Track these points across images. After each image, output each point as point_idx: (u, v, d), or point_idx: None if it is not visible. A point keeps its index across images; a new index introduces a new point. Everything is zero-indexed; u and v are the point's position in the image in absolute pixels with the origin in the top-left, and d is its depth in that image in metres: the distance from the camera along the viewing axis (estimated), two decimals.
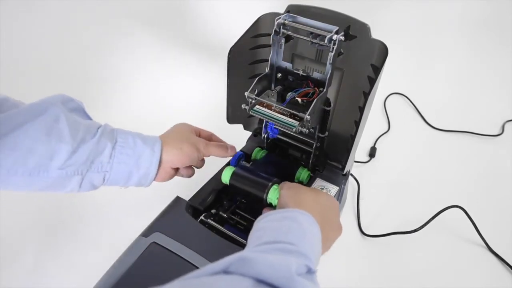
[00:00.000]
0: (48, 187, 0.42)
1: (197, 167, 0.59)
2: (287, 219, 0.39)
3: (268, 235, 0.37)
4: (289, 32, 0.51)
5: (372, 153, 0.93)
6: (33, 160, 0.39)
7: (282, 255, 0.34)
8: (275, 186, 0.53)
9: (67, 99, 0.45)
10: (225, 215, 0.59)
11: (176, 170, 0.54)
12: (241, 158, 0.65)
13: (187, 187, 0.62)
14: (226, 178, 0.56)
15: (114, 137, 0.44)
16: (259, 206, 0.54)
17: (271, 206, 0.53)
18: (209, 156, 0.57)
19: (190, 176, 0.58)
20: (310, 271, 0.35)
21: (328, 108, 0.56)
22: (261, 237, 0.37)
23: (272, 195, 0.52)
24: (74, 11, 1.07)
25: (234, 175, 0.56)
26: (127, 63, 1.11)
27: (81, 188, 0.43)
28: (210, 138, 0.60)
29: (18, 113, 0.39)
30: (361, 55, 0.53)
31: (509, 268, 0.69)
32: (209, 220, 0.56)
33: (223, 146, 0.58)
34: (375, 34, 0.51)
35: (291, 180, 0.63)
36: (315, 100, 0.49)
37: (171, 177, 0.54)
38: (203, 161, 0.59)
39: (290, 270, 0.30)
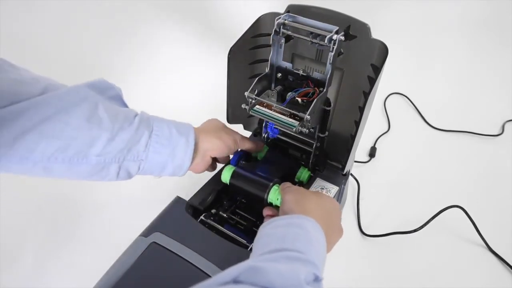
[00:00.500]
0: (87, 175, 0.42)
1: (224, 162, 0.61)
2: (294, 226, 0.39)
3: (275, 242, 0.37)
4: (289, 32, 0.51)
5: (372, 153, 0.93)
6: (74, 148, 0.39)
7: (290, 263, 0.34)
8: (275, 187, 0.53)
9: (107, 86, 0.44)
10: (225, 215, 0.59)
11: (214, 159, 0.55)
12: (241, 158, 0.65)
13: (187, 187, 0.62)
14: (226, 177, 0.56)
15: (150, 125, 0.44)
16: (259, 206, 0.54)
17: (272, 206, 0.53)
18: (242, 149, 0.60)
19: (224, 162, 0.60)
20: (317, 279, 0.35)
21: (328, 108, 0.56)
22: (268, 244, 0.37)
23: (273, 196, 0.52)
24: (74, 10, 1.07)
25: (234, 174, 0.56)
26: (127, 63, 1.11)
27: (119, 177, 0.44)
28: None
29: (59, 97, 0.38)
30: (361, 55, 0.53)
31: (509, 268, 0.69)
32: (209, 220, 0.56)
33: (256, 141, 0.61)
34: (375, 34, 0.51)
35: (292, 179, 0.62)
36: (315, 100, 0.49)
37: (209, 166, 0.55)
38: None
39: (299, 279, 0.31)
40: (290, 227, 0.39)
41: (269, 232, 0.39)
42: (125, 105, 0.47)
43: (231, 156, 0.63)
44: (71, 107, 0.38)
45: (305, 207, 0.44)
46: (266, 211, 0.52)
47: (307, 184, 0.63)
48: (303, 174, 0.63)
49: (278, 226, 0.39)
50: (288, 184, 0.52)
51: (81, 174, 0.41)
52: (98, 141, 0.39)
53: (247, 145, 0.58)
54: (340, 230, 0.48)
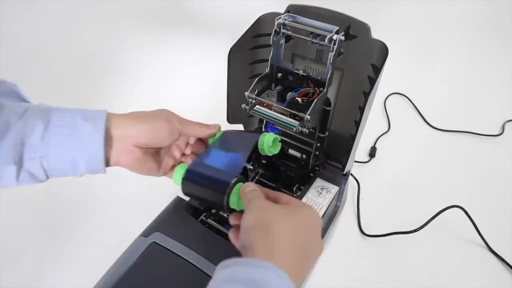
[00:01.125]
0: None
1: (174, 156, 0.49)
2: (255, 285, 0.28)
3: None
4: (289, 32, 0.51)
5: (372, 153, 0.93)
6: None
7: None
8: (237, 186, 0.40)
9: None
10: (225, 215, 0.59)
11: (146, 152, 0.44)
12: None
13: None
14: (177, 179, 0.43)
15: (47, 116, 0.37)
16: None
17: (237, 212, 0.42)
18: (187, 135, 0.47)
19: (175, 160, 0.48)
20: None
21: (328, 108, 0.56)
22: None
23: (234, 199, 0.39)
24: (74, 11, 1.07)
25: (187, 175, 0.42)
26: (127, 63, 1.11)
27: (20, 180, 0.37)
28: None
29: None
30: (361, 55, 0.53)
31: (509, 268, 0.69)
32: (209, 220, 0.56)
33: (203, 124, 0.48)
34: (375, 34, 0.51)
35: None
36: (315, 100, 0.49)
37: (143, 162, 0.44)
38: (181, 146, 0.48)
39: None
40: (251, 285, 0.28)
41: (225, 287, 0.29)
42: (25, 101, 0.41)
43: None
44: None
45: (272, 245, 0.32)
46: (232, 220, 0.41)
47: (302, 181, 0.63)
48: (266, 139, 0.45)
49: (237, 281, 0.29)
50: (249, 186, 0.39)
51: None
52: None
53: (190, 128, 0.45)
54: (319, 249, 0.37)
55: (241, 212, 0.38)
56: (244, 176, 0.65)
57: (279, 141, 0.44)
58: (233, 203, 0.39)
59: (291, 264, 0.32)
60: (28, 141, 0.36)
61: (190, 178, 0.41)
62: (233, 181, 0.39)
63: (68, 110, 0.38)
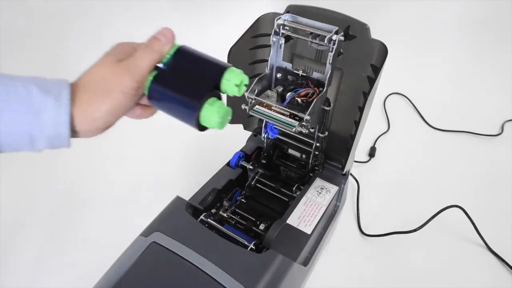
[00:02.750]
0: None
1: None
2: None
3: None
4: (289, 32, 0.51)
5: (371, 153, 0.93)
6: None
7: None
8: (212, 101, 0.35)
9: None
10: (225, 215, 0.59)
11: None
12: (241, 158, 0.65)
13: (187, 187, 0.62)
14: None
15: None
16: (259, 206, 0.53)
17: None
18: (142, 77, 0.36)
19: (148, 117, 0.41)
20: None
21: (328, 108, 0.56)
22: None
23: (207, 114, 0.34)
24: (75, 10, 1.07)
25: (155, 83, 0.36)
26: None
27: None
28: None
29: None
30: (361, 55, 0.53)
31: (509, 268, 0.69)
32: (209, 220, 0.56)
33: (151, 40, 0.38)
34: (375, 34, 0.52)
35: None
36: (315, 100, 0.50)
37: (104, 132, 0.38)
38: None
39: None
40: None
41: None
42: None
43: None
44: None
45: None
46: None
47: (306, 183, 0.63)
48: (234, 77, 0.36)
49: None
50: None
51: None
52: None
53: (140, 62, 0.36)
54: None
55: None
56: (244, 176, 0.65)
57: (245, 85, 0.37)
58: (204, 119, 0.34)
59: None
60: None
61: (157, 88, 0.36)
62: (206, 96, 0.34)
63: (18, 79, 0.33)
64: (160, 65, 0.37)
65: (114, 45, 0.38)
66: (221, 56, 0.44)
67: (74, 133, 0.35)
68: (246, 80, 0.37)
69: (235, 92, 0.36)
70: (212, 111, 0.34)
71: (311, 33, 0.49)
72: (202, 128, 0.35)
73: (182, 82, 0.35)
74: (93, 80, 0.35)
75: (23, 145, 0.34)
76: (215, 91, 0.35)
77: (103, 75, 0.35)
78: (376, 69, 0.52)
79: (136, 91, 0.35)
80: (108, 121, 0.35)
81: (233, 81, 0.35)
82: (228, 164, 0.65)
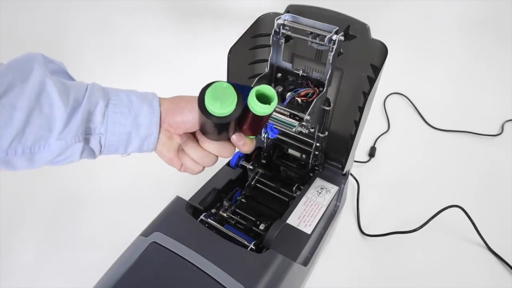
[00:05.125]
0: (50, 161, 0.37)
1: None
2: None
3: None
4: (289, 32, 0.51)
5: (371, 153, 0.93)
6: (31, 134, 0.33)
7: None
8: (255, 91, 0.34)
9: (47, 59, 0.38)
10: (225, 215, 0.59)
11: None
12: (241, 158, 0.65)
13: (187, 187, 0.62)
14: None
15: (106, 94, 0.38)
16: (259, 206, 0.53)
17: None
18: None
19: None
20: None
21: (328, 108, 0.56)
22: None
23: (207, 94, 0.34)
24: (74, 10, 1.07)
25: None
26: (127, 63, 1.11)
27: (82, 156, 0.39)
28: None
29: None
30: (361, 55, 0.53)
31: (509, 268, 0.69)
32: (209, 220, 0.56)
33: None
34: (375, 34, 0.52)
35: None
36: (315, 100, 0.50)
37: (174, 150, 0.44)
38: None
39: None
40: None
41: None
42: (72, 79, 0.41)
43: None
44: (16, 87, 0.33)
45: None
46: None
47: (306, 182, 0.63)
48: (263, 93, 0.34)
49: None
50: None
51: (44, 161, 0.36)
52: (55, 122, 0.34)
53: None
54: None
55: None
56: (244, 176, 0.65)
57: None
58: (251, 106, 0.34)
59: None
60: (92, 119, 0.37)
61: None
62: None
63: (121, 90, 0.40)
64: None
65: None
66: (221, 55, 0.44)
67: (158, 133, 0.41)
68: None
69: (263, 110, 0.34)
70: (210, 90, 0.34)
71: (311, 33, 0.49)
72: (208, 115, 0.35)
73: None
74: (179, 98, 0.42)
75: (120, 145, 0.40)
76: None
77: (183, 100, 0.42)
78: (376, 69, 0.52)
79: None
80: (185, 126, 0.41)
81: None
82: (228, 164, 0.65)
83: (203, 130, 0.41)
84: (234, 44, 0.55)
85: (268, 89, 0.34)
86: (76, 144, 0.36)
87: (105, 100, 0.38)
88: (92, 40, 1.09)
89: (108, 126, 0.38)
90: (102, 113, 0.38)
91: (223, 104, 0.34)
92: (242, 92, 0.35)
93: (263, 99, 0.34)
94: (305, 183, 0.63)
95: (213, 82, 0.34)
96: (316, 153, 0.63)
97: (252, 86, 0.38)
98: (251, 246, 0.51)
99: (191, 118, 0.41)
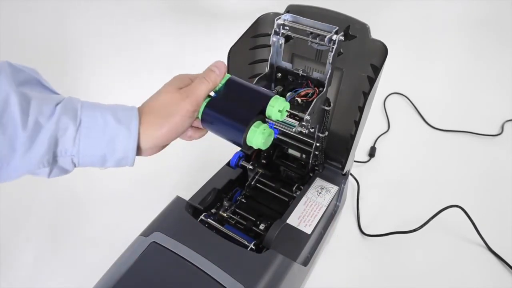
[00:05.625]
0: (16, 178, 0.36)
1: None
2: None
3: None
4: (289, 32, 0.51)
5: (371, 153, 0.93)
6: None
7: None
8: (257, 124, 0.40)
9: (16, 69, 0.36)
10: (225, 215, 0.59)
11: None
12: (241, 158, 0.65)
13: (187, 187, 0.62)
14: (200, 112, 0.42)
15: (77, 116, 0.36)
16: (259, 206, 0.53)
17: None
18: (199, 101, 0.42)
19: (198, 138, 0.47)
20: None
21: (328, 108, 0.56)
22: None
23: (252, 136, 0.40)
24: (74, 10, 1.07)
25: (208, 107, 0.42)
26: (125, 63, 1.11)
27: (52, 175, 0.38)
28: None
29: None
30: (361, 55, 0.53)
31: (509, 268, 0.69)
32: (209, 220, 0.56)
33: (207, 71, 0.44)
34: (375, 34, 0.52)
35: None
36: (315, 100, 0.50)
37: (160, 150, 0.44)
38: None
39: None
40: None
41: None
42: (48, 89, 0.39)
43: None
44: None
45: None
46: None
47: (306, 183, 0.63)
48: (280, 102, 0.41)
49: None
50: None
51: (10, 179, 0.36)
52: (16, 144, 0.33)
53: (198, 90, 0.42)
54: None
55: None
56: (244, 176, 0.65)
57: (287, 111, 0.43)
58: (250, 140, 0.40)
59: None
60: (61, 142, 0.36)
61: (209, 112, 0.42)
62: (254, 118, 0.40)
63: (97, 108, 0.38)
64: (212, 93, 0.43)
65: (174, 77, 0.44)
66: (221, 55, 0.44)
67: (137, 150, 0.40)
68: (287, 106, 0.42)
69: (278, 116, 0.41)
70: (257, 132, 0.39)
71: (311, 33, 0.49)
72: (248, 147, 0.41)
73: (231, 107, 0.41)
74: (157, 106, 0.41)
75: (95, 164, 0.39)
76: (260, 115, 0.41)
77: (165, 101, 0.41)
78: (376, 69, 0.52)
79: (192, 114, 0.41)
80: (166, 139, 0.41)
81: (277, 107, 0.40)
82: (228, 164, 0.65)
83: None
84: (234, 44, 0.55)
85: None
86: (41, 169, 0.36)
87: (76, 123, 0.36)
88: (92, 40, 1.09)
89: (80, 148, 0.37)
90: (72, 137, 0.36)
91: (267, 143, 0.41)
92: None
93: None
94: (305, 183, 0.63)
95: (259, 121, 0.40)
96: (316, 153, 0.63)
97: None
98: (251, 246, 0.51)
99: (180, 130, 0.41)
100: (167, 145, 0.44)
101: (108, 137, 0.38)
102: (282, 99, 0.41)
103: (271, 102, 0.40)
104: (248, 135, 0.40)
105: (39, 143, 0.34)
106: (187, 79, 0.44)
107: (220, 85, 0.43)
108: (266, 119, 0.43)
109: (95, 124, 0.37)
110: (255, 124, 0.40)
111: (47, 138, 0.35)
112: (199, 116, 0.42)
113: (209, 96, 0.43)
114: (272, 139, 0.42)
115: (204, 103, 0.42)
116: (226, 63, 0.49)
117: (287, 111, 0.43)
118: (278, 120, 0.42)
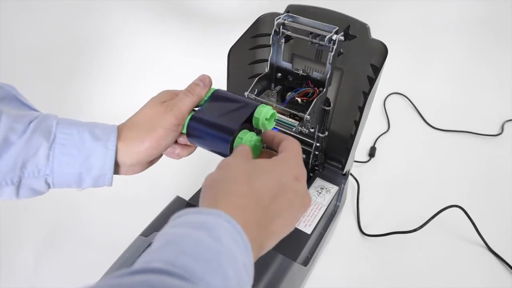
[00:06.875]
0: None
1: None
2: (200, 229, 0.26)
3: (164, 251, 0.25)
4: (289, 32, 0.51)
5: (371, 152, 0.93)
6: None
7: None
8: (243, 133, 0.39)
9: None
10: None
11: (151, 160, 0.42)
12: None
13: (187, 187, 0.62)
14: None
15: (51, 133, 0.35)
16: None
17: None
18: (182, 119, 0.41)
19: (186, 155, 0.45)
20: None
21: (328, 108, 0.56)
22: (157, 251, 0.25)
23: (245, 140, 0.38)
24: (72, 11, 1.07)
25: (192, 121, 0.41)
26: (125, 62, 1.11)
27: (20, 196, 0.36)
28: None
29: None
30: (361, 55, 0.53)
31: (509, 268, 0.69)
32: None
33: (192, 85, 0.43)
34: (375, 34, 0.52)
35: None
36: (315, 100, 0.50)
37: (146, 167, 0.43)
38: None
39: None
40: (198, 229, 0.26)
41: (174, 231, 0.27)
42: (26, 105, 0.38)
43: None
44: None
45: (223, 193, 0.30)
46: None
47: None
48: (265, 110, 0.41)
49: (184, 225, 0.27)
50: (242, 145, 0.37)
51: None
52: None
53: (182, 105, 0.41)
54: (300, 202, 0.33)
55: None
56: None
57: (275, 120, 0.43)
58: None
59: (247, 219, 0.29)
60: (31, 162, 0.35)
61: (194, 124, 0.41)
62: (239, 127, 0.38)
63: (74, 125, 0.37)
64: (197, 108, 0.43)
65: (159, 92, 0.43)
66: (221, 55, 0.44)
67: (117, 167, 0.39)
68: (275, 115, 0.42)
69: (265, 125, 0.40)
70: (243, 141, 0.38)
71: (311, 33, 0.49)
72: None
73: (216, 119, 0.40)
74: (140, 120, 0.40)
75: (72, 183, 0.38)
76: (246, 124, 0.40)
77: (148, 115, 0.40)
78: (376, 69, 0.52)
79: (176, 127, 0.40)
80: (150, 154, 0.40)
81: (264, 116, 0.40)
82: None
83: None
84: (234, 44, 0.55)
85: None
86: (5, 188, 0.35)
87: (49, 141, 0.35)
88: (90, 43, 1.09)
89: (54, 167, 0.36)
90: (45, 155, 0.35)
91: (256, 152, 0.39)
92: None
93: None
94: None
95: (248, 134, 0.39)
96: (316, 153, 0.63)
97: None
98: None
99: (164, 144, 0.40)
100: (153, 162, 0.43)
101: (84, 155, 0.36)
102: (269, 107, 0.41)
103: (257, 110, 0.40)
104: (235, 145, 0.39)
105: (6, 160, 0.34)
106: (172, 94, 0.43)
107: (206, 98, 0.43)
108: (254, 129, 0.42)
109: (71, 141, 0.36)
110: (241, 133, 0.39)
111: (14, 155, 0.34)
112: (184, 131, 0.41)
113: (193, 110, 0.42)
114: (261, 146, 0.41)
115: (189, 117, 0.41)
116: (226, 63, 0.49)
117: (275, 120, 0.43)
118: (266, 128, 0.41)
